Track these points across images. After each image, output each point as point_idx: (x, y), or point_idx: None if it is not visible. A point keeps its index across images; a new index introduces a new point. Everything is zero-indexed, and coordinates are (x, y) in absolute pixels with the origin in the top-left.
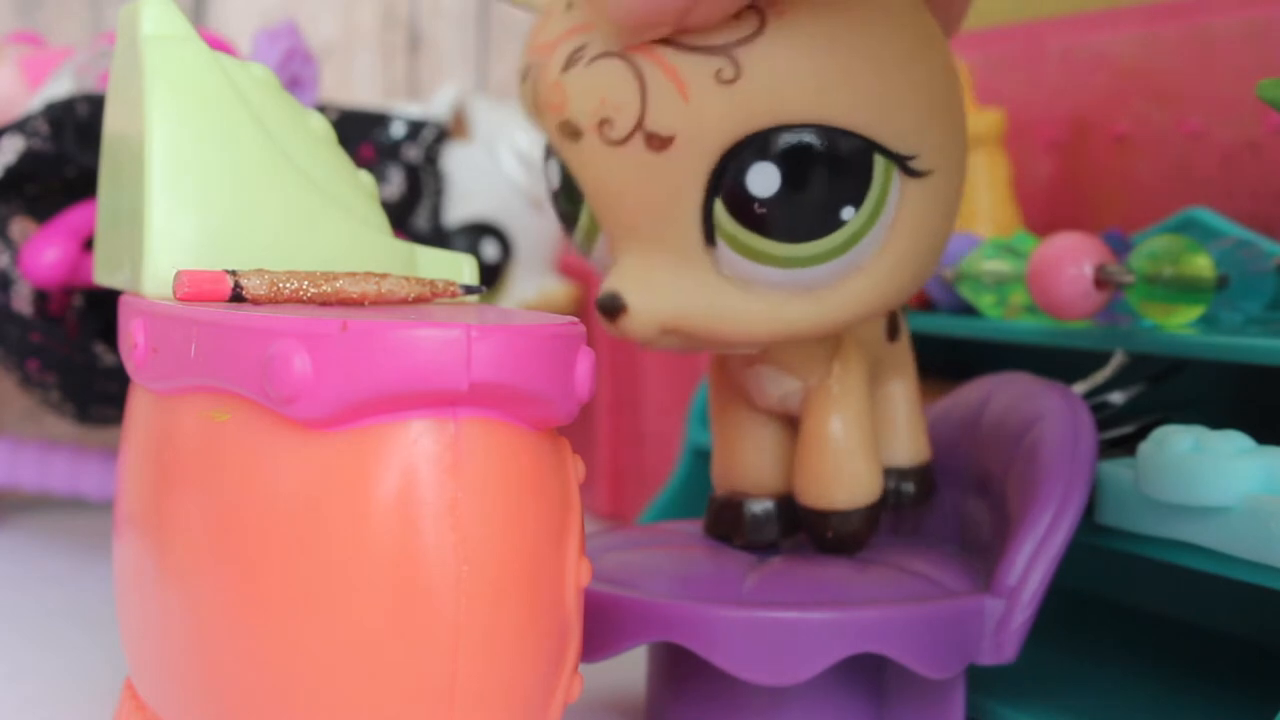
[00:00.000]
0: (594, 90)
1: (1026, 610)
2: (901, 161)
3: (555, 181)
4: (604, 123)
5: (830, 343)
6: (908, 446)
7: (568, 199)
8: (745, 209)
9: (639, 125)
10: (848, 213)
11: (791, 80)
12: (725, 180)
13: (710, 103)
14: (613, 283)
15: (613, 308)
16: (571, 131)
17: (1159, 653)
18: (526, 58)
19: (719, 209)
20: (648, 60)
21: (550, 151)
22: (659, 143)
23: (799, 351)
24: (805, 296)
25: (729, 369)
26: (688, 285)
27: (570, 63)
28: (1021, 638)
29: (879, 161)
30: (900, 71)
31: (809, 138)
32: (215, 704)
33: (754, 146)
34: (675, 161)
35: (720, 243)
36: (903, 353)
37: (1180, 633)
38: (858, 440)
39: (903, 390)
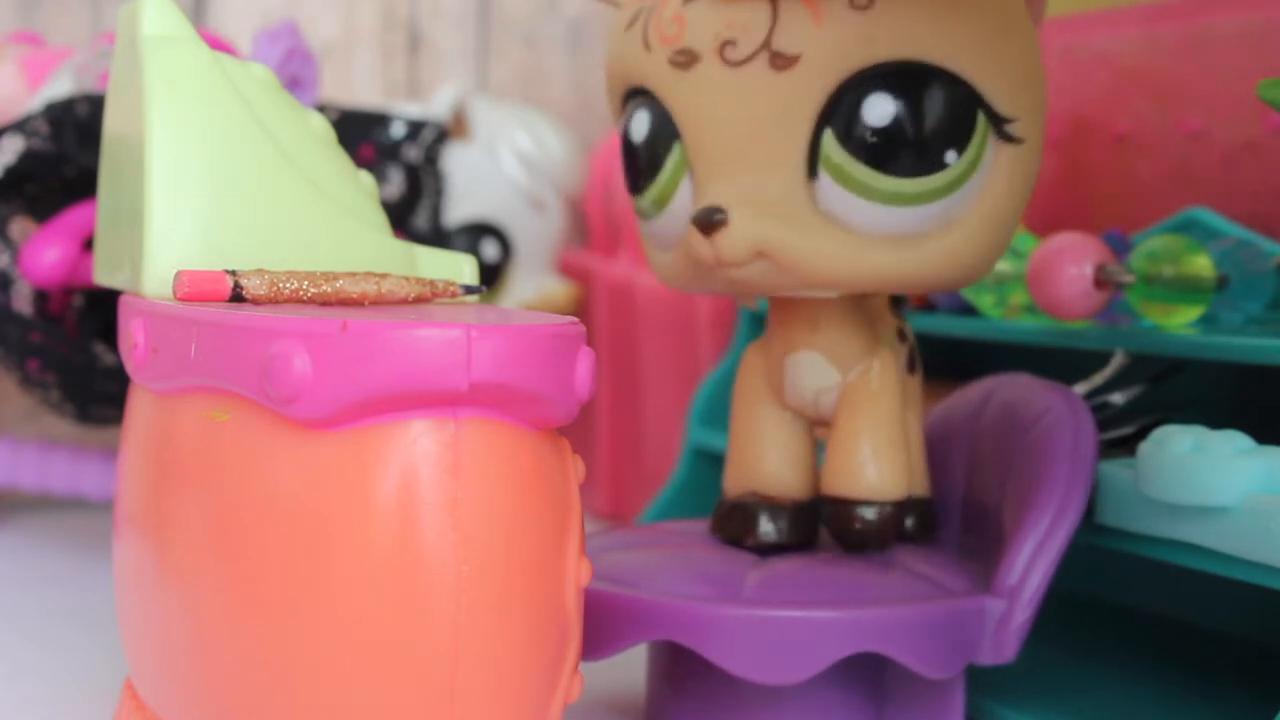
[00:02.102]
0: (721, 15)
1: (1026, 610)
2: (1000, 122)
3: (643, 132)
4: (727, 44)
5: (870, 340)
6: (916, 477)
7: (657, 145)
8: (857, 137)
9: (765, 44)
10: (951, 156)
11: (920, 18)
12: (842, 106)
13: (840, 27)
14: (714, 197)
15: (711, 221)
16: (687, 59)
17: (1159, 653)
18: (636, 4)
19: (828, 139)
20: None
21: (638, 105)
22: (783, 61)
23: (843, 342)
24: (897, 244)
25: (767, 359)
26: (786, 214)
27: None
28: (1021, 638)
29: (980, 117)
30: (1011, 36)
31: (928, 76)
32: (215, 704)
33: (875, 76)
34: (796, 82)
35: (823, 175)
36: (917, 388)
37: (1180, 633)
38: (890, 436)
39: (914, 423)
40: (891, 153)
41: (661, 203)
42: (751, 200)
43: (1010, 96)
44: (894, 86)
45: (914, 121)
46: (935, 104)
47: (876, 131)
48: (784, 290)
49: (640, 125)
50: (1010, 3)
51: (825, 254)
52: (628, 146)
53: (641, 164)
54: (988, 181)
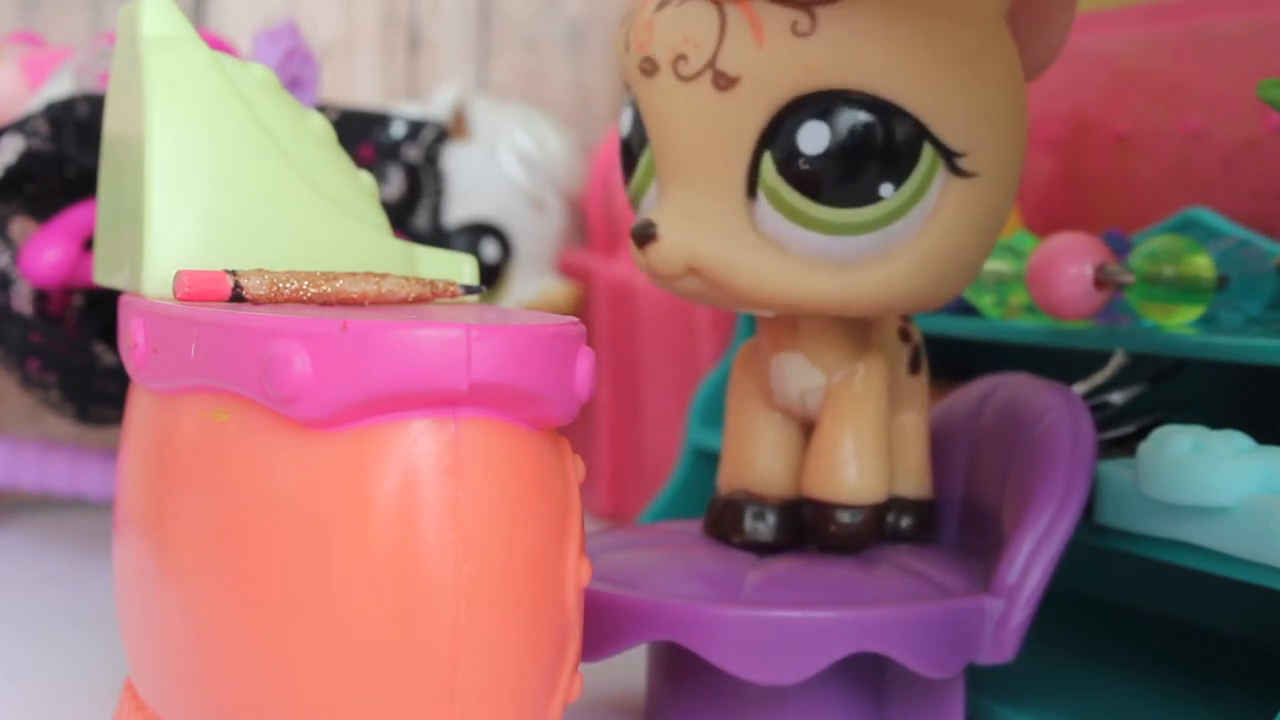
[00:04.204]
0: (679, 27)
1: (1026, 610)
2: (949, 156)
3: (627, 128)
4: (680, 58)
5: (858, 343)
6: (913, 479)
7: (635, 144)
8: (791, 163)
9: (710, 63)
10: (886, 189)
11: (861, 48)
12: (780, 131)
13: (781, 51)
14: (651, 213)
15: (645, 235)
16: (650, 67)
17: (1159, 653)
18: (631, 3)
19: (766, 162)
20: (734, 4)
21: (626, 102)
22: (725, 82)
23: (828, 344)
24: (832, 270)
25: (756, 359)
26: (722, 231)
27: (664, 3)
28: (1021, 637)
29: (927, 150)
30: (964, 69)
31: (865, 108)
32: (215, 704)
33: (812, 104)
34: (736, 104)
35: (760, 196)
36: (920, 387)
37: (1180, 633)
38: (872, 440)
39: (915, 423)
40: (824, 182)
41: (636, 200)
42: (692, 215)
43: (966, 129)
44: (829, 116)
45: (847, 152)
46: (871, 135)
47: (810, 160)
48: (721, 305)
49: (625, 122)
50: (978, 32)
51: (760, 274)
52: (620, 138)
53: (626, 157)
54: (934, 214)
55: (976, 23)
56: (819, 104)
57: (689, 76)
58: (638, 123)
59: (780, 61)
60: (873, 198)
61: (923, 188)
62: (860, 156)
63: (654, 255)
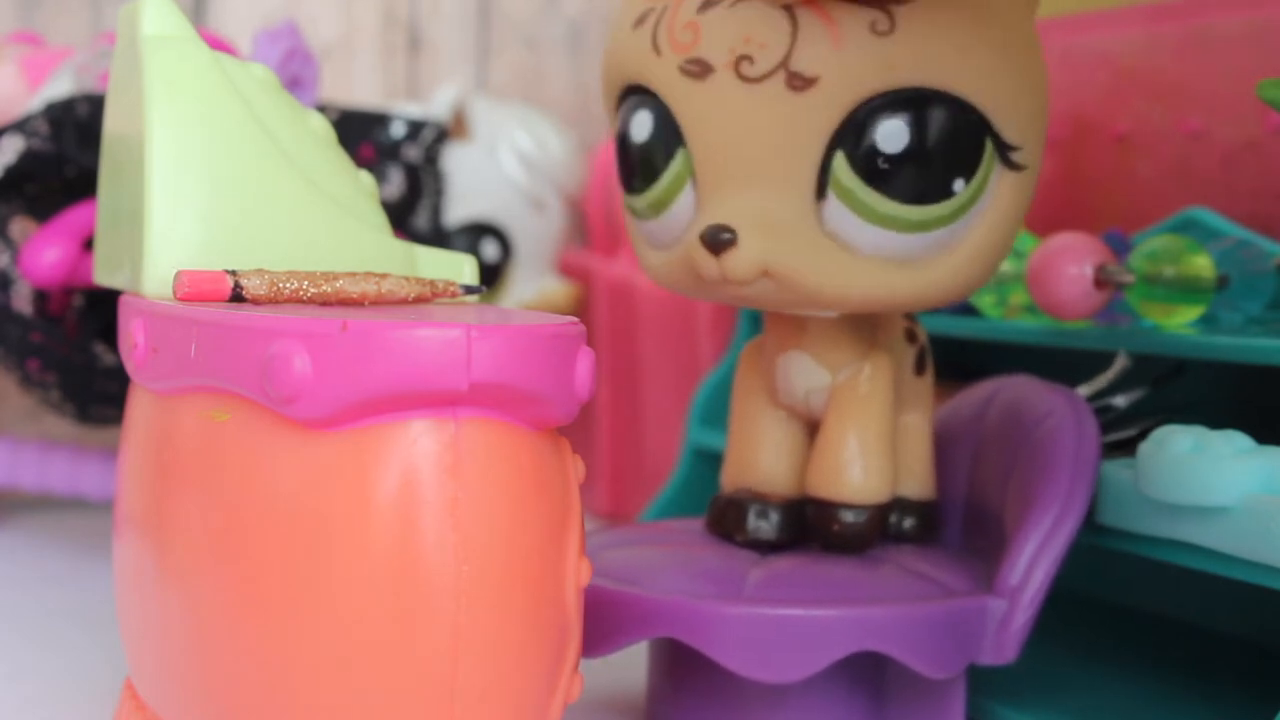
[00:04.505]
0: (738, 28)
1: (1028, 611)
2: (1006, 150)
3: (645, 133)
4: (743, 59)
5: (864, 342)
6: (916, 480)
7: (658, 150)
8: (869, 162)
9: (783, 64)
10: (959, 185)
11: (938, 46)
12: (855, 129)
13: (860, 51)
14: (723, 216)
15: (721, 241)
16: (700, 69)
17: (1159, 653)
18: (643, 4)
19: (838, 162)
20: (804, 6)
21: (638, 105)
22: (801, 83)
23: (834, 343)
24: (900, 267)
25: (761, 358)
26: (793, 234)
27: (709, 3)
28: (1023, 638)
29: (988, 144)
30: (1018, 64)
31: (943, 104)
32: (215, 704)
33: (891, 102)
34: (811, 104)
35: (831, 196)
36: (926, 388)
37: (1180, 633)
38: (876, 440)
39: (919, 424)
40: (901, 178)
41: (659, 207)
42: (759, 219)
43: (1022, 124)
44: (908, 112)
45: (926, 148)
46: (947, 132)
47: (888, 157)
48: (785, 307)
49: (642, 126)
50: (1028, 30)
51: (828, 274)
52: (625, 144)
53: (639, 165)
54: (989, 208)
55: (1022, 18)
56: (898, 102)
57: (756, 78)
58: (666, 127)
59: (862, 60)
60: (947, 193)
61: (984, 182)
62: (938, 153)
63: (731, 263)
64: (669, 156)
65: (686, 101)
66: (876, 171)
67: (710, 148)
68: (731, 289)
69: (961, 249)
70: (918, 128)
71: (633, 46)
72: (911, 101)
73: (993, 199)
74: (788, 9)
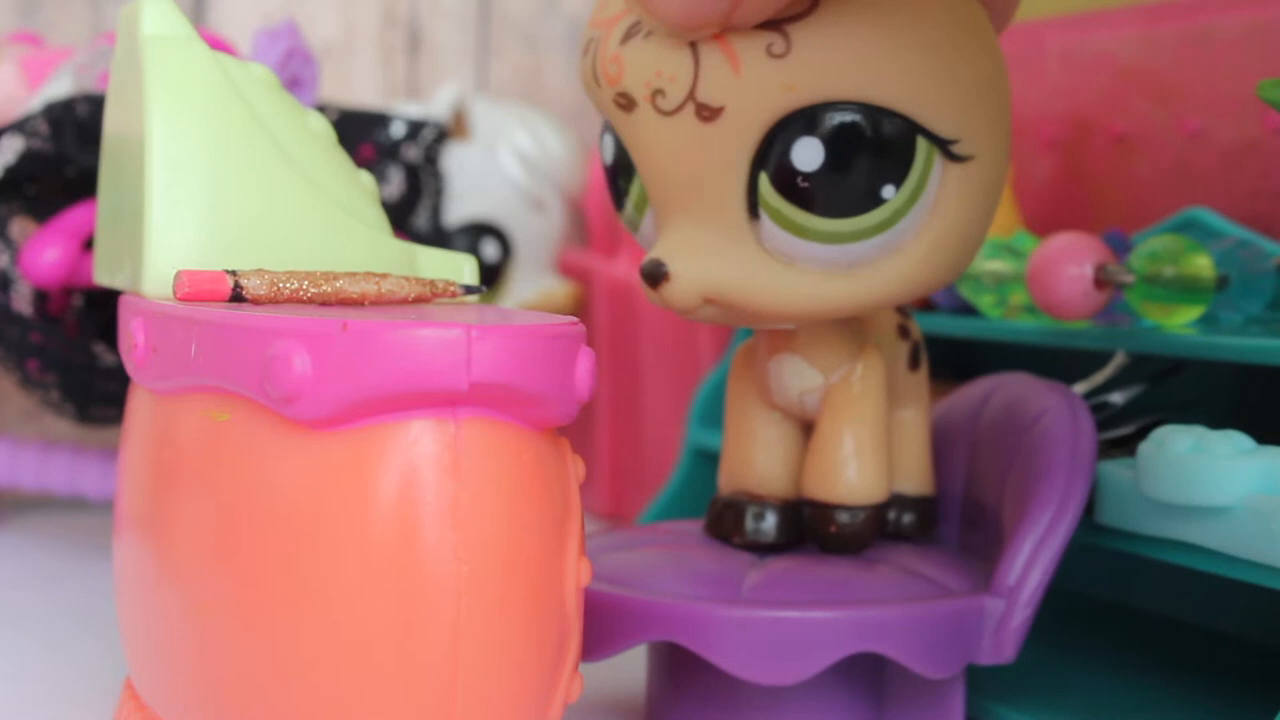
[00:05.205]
0: (650, 62)
1: (1026, 610)
2: (943, 145)
3: (610, 156)
4: (657, 93)
5: (855, 342)
6: (914, 476)
7: (621, 173)
8: (789, 183)
9: (690, 96)
10: (888, 191)
11: (839, 58)
12: (771, 154)
13: (760, 76)
14: (657, 251)
15: (656, 275)
16: (626, 102)
17: (1159, 653)
18: (589, 31)
19: (763, 183)
20: (704, 40)
21: (607, 126)
22: (708, 113)
23: (825, 344)
24: (844, 274)
25: (754, 360)
26: (730, 257)
27: (629, 35)
28: (1021, 637)
29: (921, 143)
30: (946, 56)
31: (854, 116)
32: (215, 704)
33: (800, 122)
34: (723, 133)
35: (763, 216)
36: (921, 384)
37: (1180, 633)
38: (871, 440)
39: (916, 420)
40: (825, 194)
41: (634, 226)
42: (697, 246)
43: (957, 115)
44: (820, 131)
45: (845, 162)
46: (865, 142)
47: (807, 176)
48: (743, 325)
49: (607, 150)
50: (952, 15)
51: (774, 291)
52: (603, 164)
53: (612, 185)
54: (936, 203)
55: (950, 6)
56: (806, 120)
57: (670, 111)
58: (622, 151)
59: (761, 85)
60: (876, 201)
61: (922, 181)
62: (857, 164)
63: (669, 294)
64: (629, 181)
65: (624, 132)
66: (798, 190)
67: (649, 177)
68: (683, 316)
69: (914, 248)
70: (831, 143)
71: (584, 75)
72: (821, 118)
73: (938, 195)
74: (691, 43)
